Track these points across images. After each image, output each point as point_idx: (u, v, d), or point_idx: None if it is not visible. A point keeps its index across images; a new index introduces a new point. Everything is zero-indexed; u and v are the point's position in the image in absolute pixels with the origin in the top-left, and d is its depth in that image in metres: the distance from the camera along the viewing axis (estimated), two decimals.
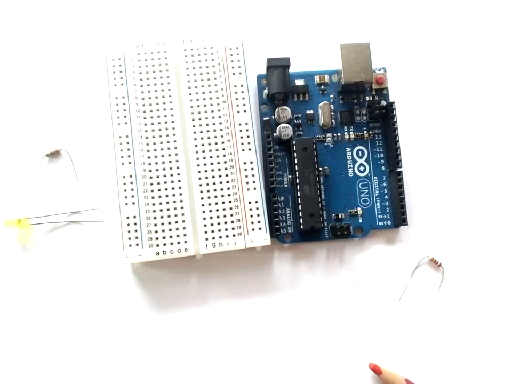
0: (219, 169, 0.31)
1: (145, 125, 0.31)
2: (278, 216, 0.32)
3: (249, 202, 0.31)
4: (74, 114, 0.34)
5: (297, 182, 0.32)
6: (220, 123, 0.31)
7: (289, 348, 0.32)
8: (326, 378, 0.32)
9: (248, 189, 0.31)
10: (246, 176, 0.31)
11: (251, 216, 0.31)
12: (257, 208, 0.31)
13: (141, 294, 0.32)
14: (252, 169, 0.31)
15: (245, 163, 0.31)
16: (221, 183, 0.31)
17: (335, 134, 0.34)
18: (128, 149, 0.31)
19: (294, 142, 0.32)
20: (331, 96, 0.34)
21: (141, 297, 0.32)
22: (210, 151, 0.31)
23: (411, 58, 0.36)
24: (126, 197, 0.31)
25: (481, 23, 0.36)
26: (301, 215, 0.31)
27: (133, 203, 0.30)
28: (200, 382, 0.32)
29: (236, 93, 0.32)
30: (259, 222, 0.31)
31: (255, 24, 0.36)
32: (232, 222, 0.31)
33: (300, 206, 0.32)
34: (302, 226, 0.31)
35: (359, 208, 0.33)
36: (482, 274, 0.34)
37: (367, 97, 0.34)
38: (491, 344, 0.33)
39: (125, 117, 0.31)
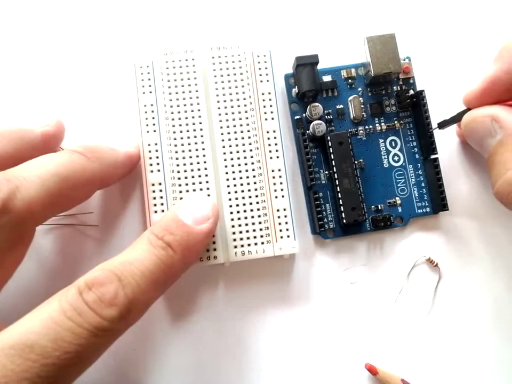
0: (247, 177, 0.31)
1: (174, 132, 0.31)
2: (321, 212, 0.32)
3: (278, 210, 0.31)
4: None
5: (336, 177, 0.32)
6: (248, 131, 0.31)
7: (287, 347, 0.32)
8: (322, 378, 0.32)
9: (276, 197, 0.31)
10: (274, 184, 0.31)
11: (279, 224, 0.31)
12: (285, 216, 0.31)
13: None
14: (280, 176, 0.31)
15: (273, 170, 0.31)
16: (249, 190, 0.31)
17: (366, 127, 0.34)
18: (157, 157, 0.31)
19: (329, 138, 0.32)
20: (359, 89, 0.35)
21: None
22: (238, 158, 0.31)
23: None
24: (155, 205, 0.31)
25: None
26: (342, 209, 0.32)
27: (162, 211, 0.30)
28: None
29: (263, 100, 0.32)
30: (287, 229, 0.31)
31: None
32: (261, 229, 0.31)
33: (340, 200, 0.32)
34: (345, 221, 0.32)
35: (397, 198, 0.34)
36: (479, 275, 0.33)
37: (394, 87, 0.35)
38: (488, 344, 0.33)
39: (154, 124, 0.31)
